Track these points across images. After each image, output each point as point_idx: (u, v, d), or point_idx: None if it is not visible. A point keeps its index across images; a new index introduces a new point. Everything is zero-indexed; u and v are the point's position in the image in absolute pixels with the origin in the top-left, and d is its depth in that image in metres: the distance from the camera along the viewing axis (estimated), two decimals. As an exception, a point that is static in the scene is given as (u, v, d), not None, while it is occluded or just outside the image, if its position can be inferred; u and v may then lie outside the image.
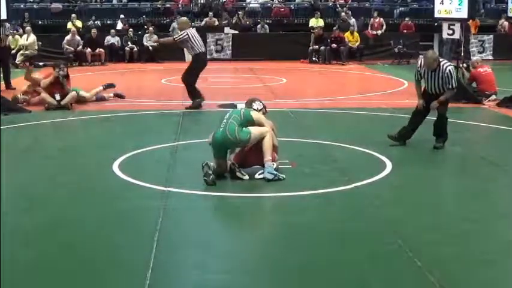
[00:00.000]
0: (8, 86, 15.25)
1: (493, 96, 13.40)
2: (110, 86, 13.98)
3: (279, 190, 7.01)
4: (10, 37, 22.53)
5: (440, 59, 9.13)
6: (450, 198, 7.03)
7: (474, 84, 13.77)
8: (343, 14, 25.12)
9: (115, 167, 7.95)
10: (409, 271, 4.91)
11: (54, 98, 12.57)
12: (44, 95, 12.58)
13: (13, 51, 22.14)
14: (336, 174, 7.70)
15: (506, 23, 22.67)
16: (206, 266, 5.05)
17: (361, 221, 6.11)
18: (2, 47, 15.47)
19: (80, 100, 13.15)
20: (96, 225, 6.00)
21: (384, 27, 24.69)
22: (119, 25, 24.38)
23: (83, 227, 5.93)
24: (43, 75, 13.30)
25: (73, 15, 24.29)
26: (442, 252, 5.27)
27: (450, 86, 8.99)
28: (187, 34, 12.75)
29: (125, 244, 5.50)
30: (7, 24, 15.96)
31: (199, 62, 13.00)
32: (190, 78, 12.93)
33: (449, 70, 8.98)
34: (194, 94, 12.83)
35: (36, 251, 5.35)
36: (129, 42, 23.46)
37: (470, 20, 13.82)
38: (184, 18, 14.12)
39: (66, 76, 12.86)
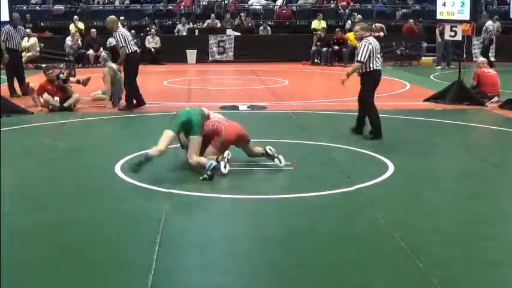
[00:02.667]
0: (13, 92, 14.65)
1: (496, 98, 13.39)
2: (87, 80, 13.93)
3: (281, 192, 7.01)
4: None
5: (369, 37, 9.83)
6: (452, 200, 7.02)
7: (474, 83, 13.74)
8: (358, 16, 25.19)
9: (117, 168, 7.95)
10: (412, 273, 4.90)
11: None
12: (47, 96, 12.57)
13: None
14: (338, 176, 7.70)
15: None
16: (208, 267, 5.05)
17: (363, 223, 6.11)
18: (16, 50, 15.31)
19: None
20: (99, 227, 6.00)
21: (384, 29, 24.79)
22: None
23: (85, 229, 5.93)
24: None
25: (75, 17, 24.31)
26: (444, 253, 5.27)
27: (357, 58, 9.68)
28: (121, 35, 12.49)
29: (127, 245, 5.50)
30: (22, 28, 15.86)
31: (130, 63, 12.63)
32: (127, 81, 12.71)
33: (362, 43, 9.68)
34: (130, 98, 12.66)
35: (39, 252, 5.36)
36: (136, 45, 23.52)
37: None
38: (114, 17, 13.16)
39: (66, 79, 12.84)
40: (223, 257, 5.32)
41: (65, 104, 12.52)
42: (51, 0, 26.76)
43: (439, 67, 21.49)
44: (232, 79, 19.69)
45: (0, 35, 14.13)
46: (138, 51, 12.96)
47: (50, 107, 12.49)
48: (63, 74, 12.85)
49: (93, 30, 23.22)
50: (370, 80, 9.83)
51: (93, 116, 12.11)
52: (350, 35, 23.68)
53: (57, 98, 12.58)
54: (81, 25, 24.20)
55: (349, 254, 5.33)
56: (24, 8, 25.67)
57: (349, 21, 24.86)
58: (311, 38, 23.67)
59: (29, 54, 21.45)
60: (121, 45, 12.50)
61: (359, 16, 25.27)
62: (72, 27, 23.70)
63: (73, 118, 11.94)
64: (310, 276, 4.88)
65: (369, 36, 9.86)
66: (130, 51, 12.51)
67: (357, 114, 10.23)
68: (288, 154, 8.74)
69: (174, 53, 23.22)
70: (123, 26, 24.34)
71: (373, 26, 20.99)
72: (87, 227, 5.97)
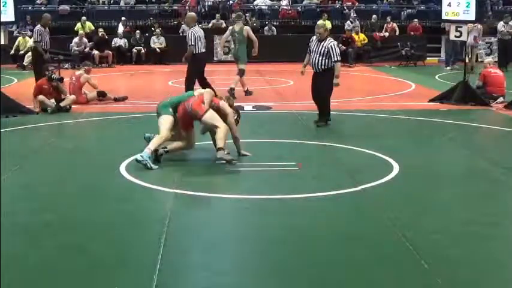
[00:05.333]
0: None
1: (501, 99, 13.36)
2: (122, 99, 14.01)
3: (286, 192, 7.00)
4: (20, 38, 22.70)
5: (330, 37, 10.87)
6: (458, 201, 7.00)
7: (480, 83, 13.72)
8: (374, 16, 25.22)
9: (122, 168, 7.96)
10: (417, 273, 4.89)
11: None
12: (41, 97, 12.55)
13: (21, 53, 22.27)
14: (343, 177, 7.69)
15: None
16: (213, 267, 5.05)
17: (368, 223, 6.10)
18: (46, 51, 15.30)
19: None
20: (104, 227, 6.00)
21: (397, 31, 24.84)
22: (120, 28, 24.40)
23: (91, 228, 5.94)
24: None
25: (83, 18, 24.33)
26: (450, 254, 5.26)
27: (334, 59, 10.57)
28: (193, 34, 12.82)
29: (132, 245, 5.50)
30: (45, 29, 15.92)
31: (195, 63, 13.03)
32: (189, 79, 13.04)
33: (331, 44, 10.60)
34: None
35: (45, 251, 5.37)
36: (142, 45, 23.57)
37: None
38: (192, 14, 13.85)
39: (61, 79, 12.86)
40: (228, 257, 5.32)
41: (61, 104, 12.51)
42: (57, 0, 26.79)
43: (448, 67, 21.45)
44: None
45: (35, 36, 14.44)
46: (206, 51, 13.35)
47: (45, 108, 12.43)
48: (54, 74, 12.86)
49: (101, 30, 23.27)
50: (332, 76, 10.68)
51: (98, 116, 12.13)
52: (353, 34, 23.70)
53: (52, 100, 12.59)
54: (89, 25, 24.18)
55: (353, 254, 5.32)
56: (30, 8, 25.70)
57: (348, 22, 24.79)
58: (316, 39, 23.61)
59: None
60: (190, 44, 12.84)
61: (374, 16, 25.32)
62: (78, 26, 23.72)
63: (78, 118, 11.96)
64: (314, 276, 4.88)
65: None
66: (198, 51, 12.86)
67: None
68: (292, 154, 8.76)
69: (179, 53, 23.11)
70: (125, 26, 24.59)
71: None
72: (92, 227, 5.97)
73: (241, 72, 14.74)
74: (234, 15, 15.78)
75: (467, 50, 19.36)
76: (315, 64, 10.77)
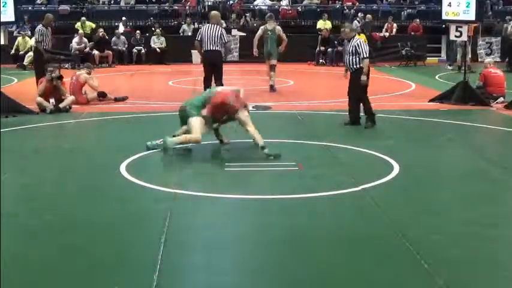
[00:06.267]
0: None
1: (501, 99, 13.37)
2: (122, 99, 14.00)
3: (285, 192, 7.00)
4: (20, 38, 22.71)
5: (357, 36, 11.11)
6: (458, 201, 7.00)
7: (480, 83, 13.72)
8: (368, 15, 25.23)
9: (122, 168, 7.96)
10: (417, 273, 4.89)
11: (49, 102, 12.55)
12: (39, 99, 12.55)
13: (21, 53, 22.28)
14: (343, 177, 7.68)
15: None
16: (213, 267, 5.05)
17: (368, 223, 6.10)
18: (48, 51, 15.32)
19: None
20: (104, 227, 6.00)
21: (395, 29, 24.81)
22: (121, 28, 24.40)
23: (91, 228, 5.94)
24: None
25: (83, 18, 24.33)
26: (450, 254, 5.26)
27: (362, 56, 10.64)
28: (199, 31, 13.23)
29: (132, 245, 5.50)
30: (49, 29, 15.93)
31: (203, 60, 13.44)
32: (204, 77, 13.23)
33: (358, 41, 10.75)
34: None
35: (45, 251, 5.37)
36: (142, 45, 23.58)
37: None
38: (213, 12, 13.92)
39: (60, 77, 12.86)
40: (228, 257, 5.32)
41: (60, 105, 12.49)
42: (57, 0, 26.79)
43: (450, 67, 21.43)
44: (237, 79, 19.66)
45: (36, 35, 14.46)
46: (214, 49, 13.10)
47: (47, 110, 12.41)
48: (54, 73, 12.85)
49: (101, 29, 23.27)
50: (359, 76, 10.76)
51: (98, 116, 12.13)
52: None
53: (52, 100, 12.58)
54: (89, 25, 24.16)
55: (353, 254, 5.32)
56: (30, 8, 25.68)
57: (355, 22, 24.81)
58: (316, 39, 23.63)
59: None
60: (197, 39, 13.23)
61: (368, 16, 25.29)
62: (78, 25, 23.71)
63: (78, 118, 11.96)
64: (314, 276, 4.88)
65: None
66: (204, 48, 13.04)
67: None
68: (292, 154, 8.76)
69: (179, 53, 23.21)
70: (126, 26, 24.59)
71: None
72: (93, 227, 5.97)
73: (273, 68, 15.72)
74: (267, 15, 17.07)
75: (462, 49, 19.39)
76: (347, 64, 10.94)
